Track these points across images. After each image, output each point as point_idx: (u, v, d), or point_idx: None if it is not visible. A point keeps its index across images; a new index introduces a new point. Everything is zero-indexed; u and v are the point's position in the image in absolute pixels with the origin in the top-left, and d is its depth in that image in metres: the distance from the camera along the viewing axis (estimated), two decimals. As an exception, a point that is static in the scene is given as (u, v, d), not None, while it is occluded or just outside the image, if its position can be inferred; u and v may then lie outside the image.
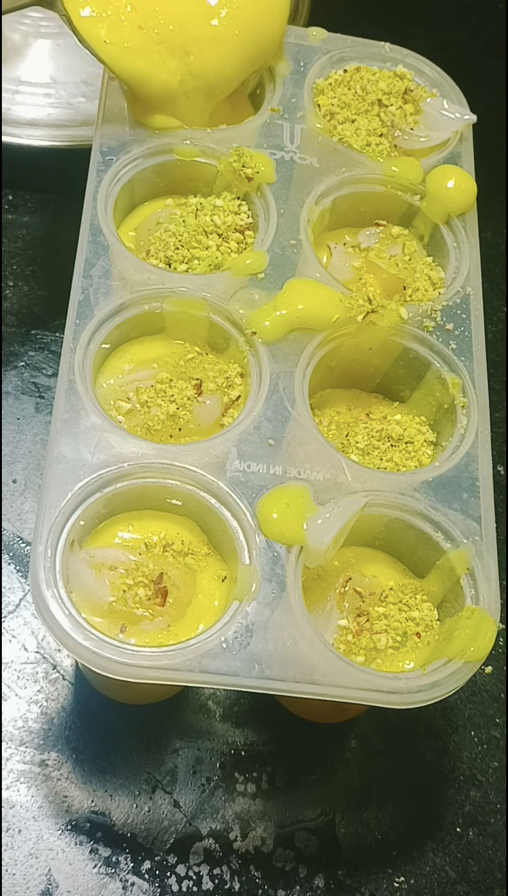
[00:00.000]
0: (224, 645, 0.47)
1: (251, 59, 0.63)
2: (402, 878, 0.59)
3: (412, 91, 0.66)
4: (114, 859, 0.57)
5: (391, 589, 0.53)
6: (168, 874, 0.57)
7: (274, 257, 0.58)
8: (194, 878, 0.57)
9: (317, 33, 0.68)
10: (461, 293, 0.59)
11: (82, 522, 0.50)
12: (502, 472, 0.73)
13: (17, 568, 0.65)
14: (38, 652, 0.62)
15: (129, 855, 0.57)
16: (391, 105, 0.65)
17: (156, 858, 0.57)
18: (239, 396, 0.56)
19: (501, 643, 0.67)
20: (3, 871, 0.56)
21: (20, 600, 0.64)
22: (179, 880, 0.57)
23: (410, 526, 0.53)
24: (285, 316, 0.56)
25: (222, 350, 0.58)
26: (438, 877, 0.59)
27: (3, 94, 0.80)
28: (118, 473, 0.51)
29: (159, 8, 0.59)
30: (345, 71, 0.67)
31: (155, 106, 0.61)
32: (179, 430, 0.54)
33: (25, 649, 0.62)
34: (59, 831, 0.58)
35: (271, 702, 0.62)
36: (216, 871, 0.58)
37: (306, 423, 0.54)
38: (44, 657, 0.62)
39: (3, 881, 0.56)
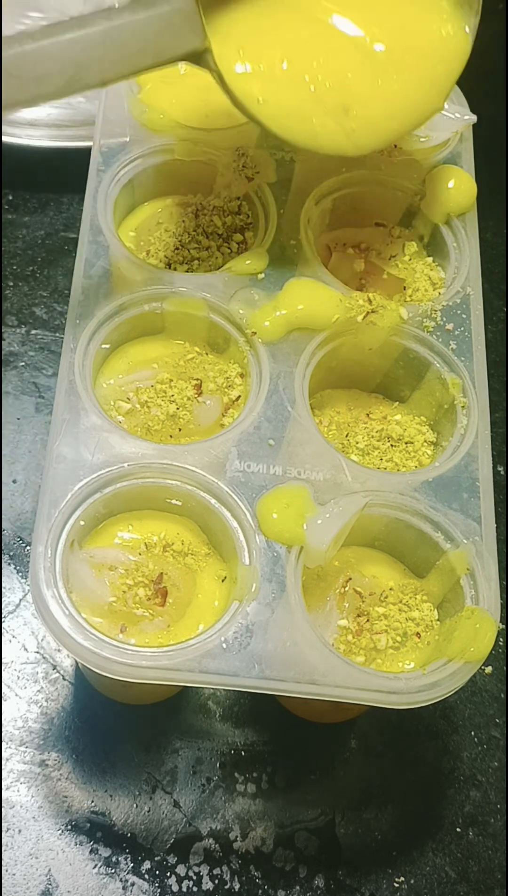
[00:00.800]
0: (224, 645, 0.47)
1: (415, 118, 0.57)
2: (402, 878, 0.59)
3: (412, 91, 0.66)
4: (114, 859, 0.57)
5: (391, 589, 0.53)
6: (168, 874, 0.57)
7: (274, 257, 0.58)
8: (194, 878, 0.57)
9: (317, 33, 0.68)
10: (461, 293, 0.59)
11: (82, 522, 0.50)
12: (502, 472, 0.73)
13: (17, 568, 0.65)
14: (38, 652, 0.62)
15: (129, 855, 0.57)
16: (392, 105, 0.65)
17: (156, 858, 0.57)
18: (239, 396, 0.56)
19: (501, 643, 0.67)
20: (3, 871, 0.56)
21: (20, 600, 0.64)
22: (180, 880, 0.57)
23: (410, 526, 0.53)
24: (285, 316, 0.56)
25: (222, 350, 0.58)
26: (438, 877, 0.59)
27: (3, 94, 0.80)
28: (118, 473, 0.51)
29: (317, 62, 0.54)
30: (345, 71, 0.67)
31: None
32: (180, 430, 0.54)
33: (25, 649, 0.62)
34: (59, 831, 0.58)
35: (271, 702, 0.62)
36: (216, 871, 0.58)
37: (306, 424, 0.54)
38: (44, 657, 0.62)
39: (3, 881, 0.56)
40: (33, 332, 0.74)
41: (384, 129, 0.56)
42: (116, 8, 0.49)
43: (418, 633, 0.52)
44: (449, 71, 0.57)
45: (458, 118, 0.65)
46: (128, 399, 0.55)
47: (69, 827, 0.58)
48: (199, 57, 0.52)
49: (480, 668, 0.49)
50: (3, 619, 0.63)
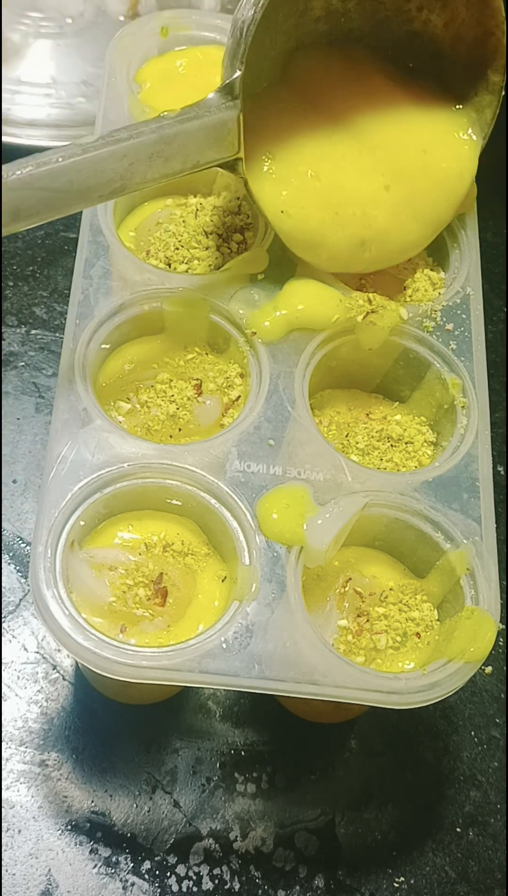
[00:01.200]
0: (224, 645, 0.47)
1: (418, 246, 0.59)
2: (402, 878, 0.59)
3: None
4: (114, 859, 0.57)
5: (391, 589, 0.53)
6: (168, 874, 0.57)
7: (274, 257, 0.58)
8: (194, 878, 0.57)
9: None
10: (461, 293, 0.59)
11: (82, 522, 0.50)
12: (502, 472, 0.73)
13: (17, 568, 0.65)
14: (38, 652, 0.62)
15: (129, 855, 0.57)
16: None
17: (156, 858, 0.57)
18: (239, 396, 0.56)
19: (501, 643, 0.67)
20: (3, 871, 0.56)
21: (20, 600, 0.64)
22: (179, 880, 0.57)
23: (410, 526, 0.53)
24: (285, 316, 0.56)
25: (222, 350, 0.58)
26: (438, 877, 0.59)
27: (3, 94, 0.80)
28: (118, 474, 0.51)
29: (344, 186, 0.55)
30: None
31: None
32: (179, 430, 0.54)
33: (25, 649, 0.62)
34: (59, 831, 0.58)
35: (271, 702, 0.62)
36: (216, 871, 0.58)
37: (307, 424, 0.54)
38: (44, 657, 0.62)
39: (3, 881, 0.56)
40: (33, 332, 0.74)
41: (386, 263, 0.58)
42: (166, 117, 0.50)
43: (418, 633, 0.52)
44: (452, 206, 0.59)
45: (458, 118, 0.65)
46: (128, 399, 0.55)
47: (69, 827, 0.58)
48: (232, 165, 0.53)
49: (480, 668, 0.49)
50: (3, 619, 0.63)
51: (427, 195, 0.57)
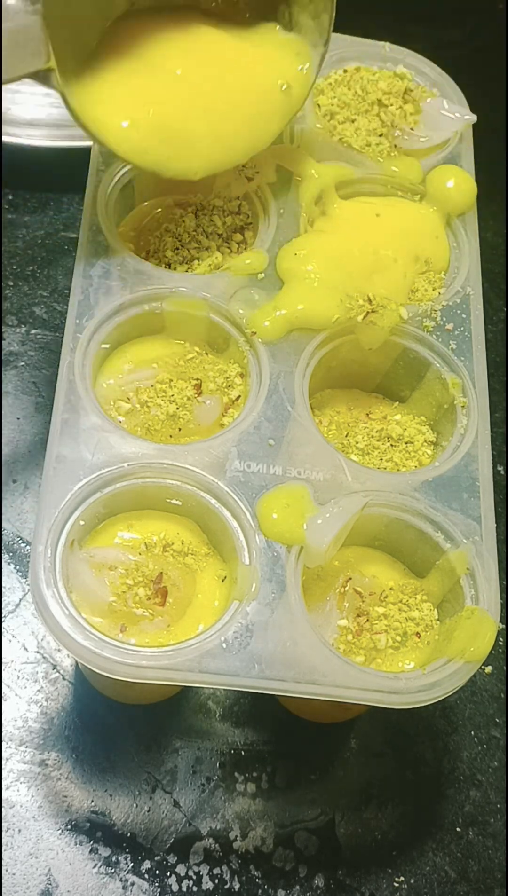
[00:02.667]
0: (224, 645, 0.47)
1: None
2: (402, 878, 0.59)
3: (412, 91, 0.66)
4: (114, 859, 0.57)
5: (391, 589, 0.53)
6: (168, 874, 0.57)
7: (274, 257, 0.58)
8: (194, 877, 0.57)
9: (317, 33, 0.68)
10: (461, 293, 0.59)
11: (82, 522, 0.50)
12: (502, 472, 0.73)
13: (17, 568, 0.65)
14: (38, 652, 0.62)
15: (129, 855, 0.57)
16: (391, 105, 0.65)
17: (156, 858, 0.57)
18: (239, 396, 0.56)
19: (501, 643, 0.67)
20: (3, 871, 0.56)
21: (20, 600, 0.64)
22: (179, 880, 0.57)
23: (410, 526, 0.53)
24: (285, 316, 0.56)
25: (222, 350, 0.58)
26: (438, 877, 0.59)
27: (3, 94, 0.80)
28: (118, 473, 0.51)
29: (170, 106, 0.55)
30: (345, 71, 0.67)
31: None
32: (179, 430, 0.54)
33: (25, 649, 0.62)
34: (59, 831, 0.58)
35: (271, 702, 0.62)
36: (216, 870, 0.58)
37: (306, 423, 0.54)
38: (44, 657, 0.62)
39: (3, 881, 0.56)
40: (33, 331, 0.74)
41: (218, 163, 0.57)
42: None
43: (418, 633, 0.52)
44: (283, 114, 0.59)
45: (458, 118, 0.65)
46: (128, 399, 0.55)
47: (69, 827, 0.58)
48: (45, 76, 0.51)
49: (480, 668, 0.49)
50: (3, 619, 0.63)
51: (246, 101, 0.57)
